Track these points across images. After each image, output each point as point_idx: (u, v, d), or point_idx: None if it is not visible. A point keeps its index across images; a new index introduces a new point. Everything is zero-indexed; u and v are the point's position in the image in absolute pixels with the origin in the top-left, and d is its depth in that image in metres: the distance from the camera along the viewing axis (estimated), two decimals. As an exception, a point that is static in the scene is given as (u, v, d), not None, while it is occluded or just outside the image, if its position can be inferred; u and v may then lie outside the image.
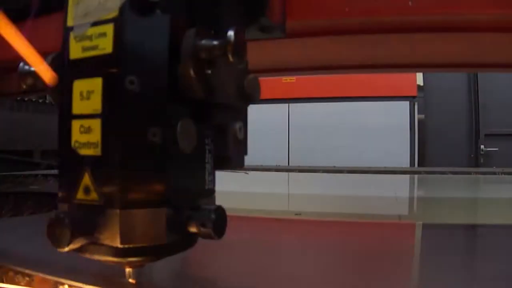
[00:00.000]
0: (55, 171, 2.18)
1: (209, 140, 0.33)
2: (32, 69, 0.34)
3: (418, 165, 3.59)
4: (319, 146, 3.57)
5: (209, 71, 0.30)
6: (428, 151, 3.68)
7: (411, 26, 0.52)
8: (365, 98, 3.53)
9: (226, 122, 0.34)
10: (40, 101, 2.45)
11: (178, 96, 0.29)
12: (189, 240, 0.32)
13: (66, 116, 0.30)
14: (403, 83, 3.54)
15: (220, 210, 0.30)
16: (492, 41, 0.57)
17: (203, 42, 0.28)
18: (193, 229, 0.30)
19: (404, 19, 0.49)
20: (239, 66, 0.31)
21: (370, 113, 3.56)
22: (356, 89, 3.46)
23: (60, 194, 0.31)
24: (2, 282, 0.48)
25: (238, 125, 0.35)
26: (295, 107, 3.63)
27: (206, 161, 0.33)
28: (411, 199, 1.33)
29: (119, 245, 0.28)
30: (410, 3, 0.44)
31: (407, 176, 2.33)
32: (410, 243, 0.71)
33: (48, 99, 2.53)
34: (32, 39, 0.31)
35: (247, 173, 2.11)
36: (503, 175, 2.24)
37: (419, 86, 3.64)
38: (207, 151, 0.33)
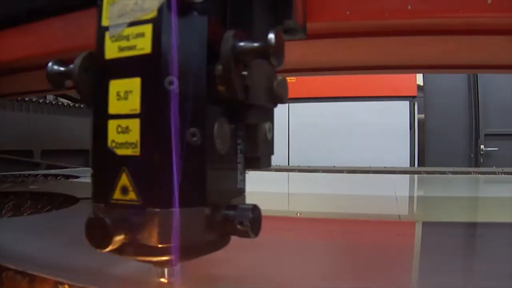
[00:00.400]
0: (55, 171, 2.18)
1: (241, 141, 0.34)
2: (62, 68, 0.34)
3: (418, 165, 3.60)
4: (319, 146, 3.57)
5: (245, 72, 0.30)
6: (428, 151, 3.69)
7: (423, 29, 0.54)
8: (365, 98, 3.53)
9: (257, 122, 0.34)
10: (41, 101, 2.45)
11: (214, 97, 0.30)
12: (224, 239, 0.32)
13: (101, 116, 0.30)
14: (403, 83, 3.55)
15: (256, 209, 0.31)
16: (492, 44, 0.59)
17: (243, 44, 0.28)
18: (229, 228, 0.30)
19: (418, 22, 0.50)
20: (272, 67, 0.31)
21: (370, 113, 3.56)
22: (356, 89, 3.47)
23: (94, 194, 0.31)
24: (2, 282, 0.48)
25: (267, 125, 0.36)
26: (295, 107, 3.64)
27: (238, 161, 0.34)
28: (411, 199, 1.34)
29: (159, 245, 0.28)
30: (409, 7, 0.45)
31: (407, 176, 2.34)
32: (418, 239, 0.72)
33: (48, 99, 2.52)
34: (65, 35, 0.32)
35: (247, 173, 2.11)
36: (503, 175, 2.25)
37: (419, 86, 3.65)
38: (238, 151, 0.33)
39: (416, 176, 2.32)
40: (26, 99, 2.34)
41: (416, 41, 0.58)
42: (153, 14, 0.28)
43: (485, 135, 3.51)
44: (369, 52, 0.68)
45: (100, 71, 0.30)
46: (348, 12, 0.47)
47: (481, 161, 3.47)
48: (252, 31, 0.34)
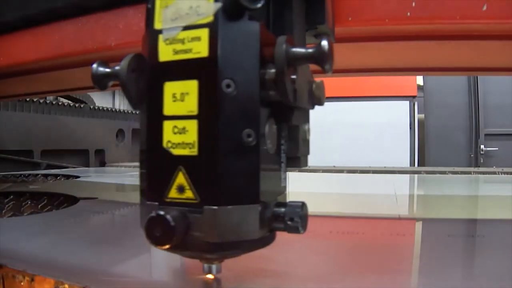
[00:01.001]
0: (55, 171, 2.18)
1: (284, 141, 0.35)
2: (107, 70, 0.35)
3: (418, 165, 3.63)
4: (319, 146, 3.59)
5: (294, 76, 0.31)
6: (428, 151, 3.72)
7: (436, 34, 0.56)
8: (365, 98, 3.56)
9: (298, 124, 0.36)
10: (41, 101, 2.45)
11: (265, 99, 0.31)
12: (272, 235, 0.33)
13: (155, 117, 0.31)
14: (403, 83, 3.57)
15: (304, 206, 0.32)
16: (488, 48, 0.61)
17: (297, 50, 0.29)
18: (279, 224, 0.31)
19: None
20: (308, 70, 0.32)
21: (370, 113, 3.59)
22: (356, 89, 3.49)
23: (146, 193, 0.32)
24: (2, 282, 0.49)
25: (307, 126, 0.37)
26: (295, 106, 3.66)
27: (282, 160, 0.35)
28: (411, 198, 1.36)
29: (216, 240, 0.29)
30: (408, 13, 0.48)
31: (407, 176, 2.36)
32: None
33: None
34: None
35: None
36: (503, 175, 2.28)
37: (419, 86, 3.68)
38: (282, 151, 0.35)
39: (416, 176, 2.34)
40: (27, 99, 2.34)
41: (417, 45, 0.61)
42: (209, 19, 0.29)
43: (485, 135, 3.54)
44: (371, 55, 0.71)
45: (154, 73, 0.31)
46: (350, 18, 0.49)
47: (481, 161, 3.50)
48: (291, 36, 0.35)
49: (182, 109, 0.30)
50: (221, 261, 0.34)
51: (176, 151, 0.30)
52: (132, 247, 0.61)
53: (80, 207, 0.95)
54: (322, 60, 0.29)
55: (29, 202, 1.06)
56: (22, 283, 0.47)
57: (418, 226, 0.81)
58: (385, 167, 2.97)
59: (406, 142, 3.79)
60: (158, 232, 0.28)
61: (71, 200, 1.05)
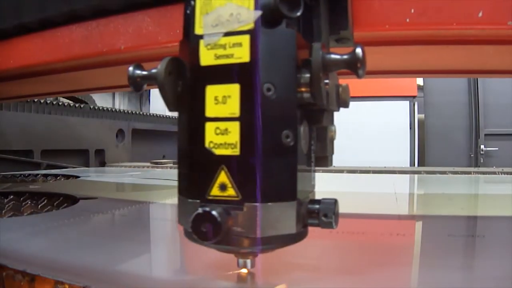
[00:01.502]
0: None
1: (313, 141, 0.37)
2: (144, 72, 0.37)
3: (418, 165, 3.66)
4: (319, 146, 3.61)
5: (327, 81, 0.33)
6: (428, 151, 3.76)
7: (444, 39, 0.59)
8: (365, 98, 3.58)
9: (327, 125, 0.38)
10: (42, 101, 2.46)
11: (300, 102, 0.33)
12: (306, 231, 0.35)
13: (196, 118, 0.33)
14: (403, 83, 3.61)
15: (337, 203, 0.34)
16: (484, 52, 0.65)
17: (332, 56, 0.31)
18: (314, 220, 0.33)
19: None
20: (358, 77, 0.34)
21: (370, 113, 3.61)
22: (356, 89, 3.52)
23: (187, 191, 0.34)
24: (2, 282, 0.49)
25: (334, 128, 0.39)
26: (295, 106, 3.68)
27: (312, 160, 0.37)
28: (410, 198, 1.38)
29: (257, 235, 0.31)
30: (407, 20, 0.50)
31: (407, 176, 2.38)
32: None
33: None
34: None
35: None
36: (503, 175, 2.30)
37: (419, 86, 3.71)
38: (311, 151, 0.37)
39: (416, 176, 2.36)
40: (28, 99, 2.35)
41: (416, 49, 0.64)
42: (250, 26, 0.31)
43: (485, 135, 3.58)
44: (372, 59, 0.74)
45: (195, 76, 0.33)
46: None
47: (481, 161, 3.54)
48: (317, 41, 0.37)
49: (224, 111, 0.32)
50: (256, 256, 0.36)
51: (219, 151, 0.32)
52: (157, 244, 0.63)
53: (80, 207, 0.96)
54: (356, 66, 0.31)
55: (29, 202, 1.06)
56: (22, 283, 0.47)
57: (418, 224, 0.83)
58: (385, 167, 3.00)
59: (406, 142, 3.82)
60: (205, 228, 0.30)
61: (71, 200, 1.05)
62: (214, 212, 0.30)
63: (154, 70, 0.36)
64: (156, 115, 3.32)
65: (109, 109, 2.88)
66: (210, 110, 0.32)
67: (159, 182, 1.75)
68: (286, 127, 0.31)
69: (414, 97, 3.78)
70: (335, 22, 0.44)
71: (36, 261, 0.51)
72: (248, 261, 0.36)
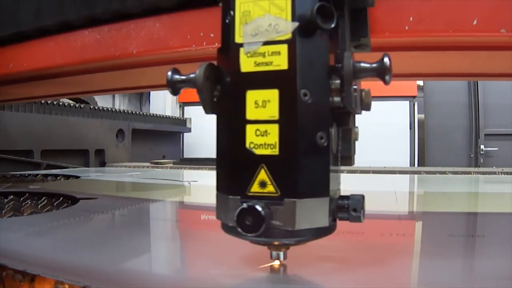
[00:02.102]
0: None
1: (339, 142, 0.40)
2: (183, 77, 0.40)
3: (418, 165, 3.71)
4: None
5: (356, 86, 0.37)
6: (428, 151, 3.81)
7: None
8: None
9: (351, 127, 0.41)
10: (42, 101, 2.47)
11: (331, 106, 0.36)
12: (335, 225, 0.39)
13: (237, 121, 0.36)
14: (403, 83, 3.65)
15: (364, 199, 0.37)
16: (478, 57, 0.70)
17: (362, 64, 0.35)
18: (343, 214, 0.37)
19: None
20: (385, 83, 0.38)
21: (370, 113, 3.64)
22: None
23: (227, 188, 0.37)
24: (3, 282, 0.49)
25: (357, 129, 0.42)
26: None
27: (338, 159, 0.40)
28: (410, 198, 1.41)
29: (294, 228, 0.34)
30: (406, 27, 0.55)
31: (407, 176, 2.41)
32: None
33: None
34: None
35: None
36: (502, 175, 2.34)
37: (419, 86, 3.76)
38: (338, 151, 0.40)
39: (416, 176, 2.40)
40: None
41: (415, 54, 0.68)
42: (287, 36, 0.35)
43: (485, 135, 3.64)
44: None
45: (235, 82, 0.36)
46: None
47: (481, 161, 3.60)
48: (342, 48, 0.41)
49: (264, 114, 0.35)
50: (288, 248, 0.39)
51: (259, 151, 0.35)
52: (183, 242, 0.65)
53: (80, 207, 0.97)
54: (384, 73, 0.35)
55: (29, 202, 1.07)
56: (22, 283, 0.48)
57: (418, 223, 0.87)
58: (385, 167, 3.03)
59: (406, 142, 3.87)
60: (249, 221, 0.33)
61: (71, 200, 1.06)
62: (258, 207, 0.33)
63: (192, 75, 0.39)
64: (156, 115, 3.35)
65: (109, 109, 2.90)
66: (251, 113, 0.35)
67: (159, 182, 1.77)
68: (320, 129, 0.35)
69: (414, 97, 3.83)
70: (356, 30, 0.47)
71: (36, 261, 0.52)
72: (281, 253, 0.39)
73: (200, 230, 0.80)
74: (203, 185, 1.68)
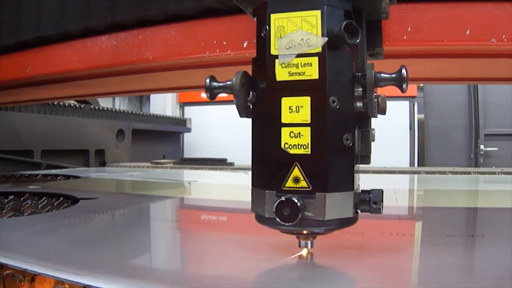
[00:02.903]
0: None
1: (359, 142, 0.46)
2: (220, 83, 0.46)
3: (418, 165, 3.78)
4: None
5: (375, 93, 0.43)
6: (428, 151, 3.88)
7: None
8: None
9: (369, 129, 0.47)
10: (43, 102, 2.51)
11: (355, 111, 0.42)
12: (357, 216, 0.44)
13: (273, 124, 0.42)
14: (403, 82, 3.72)
15: (383, 193, 0.43)
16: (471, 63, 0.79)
17: (383, 75, 0.41)
18: (365, 207, 0.43)
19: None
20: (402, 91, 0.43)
21: (370, 112, 3.72)
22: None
23: (266, 184, 0.43)
24: (3, 281, 0.50)
25: (374, 131, 0.48)
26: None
27: (359, 158, 0.46)
28: (410, 198, 1.46)
29: (324, 218, 0.40)
30: (404, 37, 0.61)
31: (407, 176, 2.46)
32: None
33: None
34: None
35: (247, 173, 2.21)
36: (502, 175, 2.37)
37: (419, 86, 3.83)
38: (359, 151, 0.46)
39: (416, 176, 2.44)
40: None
41: (413, 61, 0.75)
42: (318, 49, 0.41)
43: (485, 135, 3.71)
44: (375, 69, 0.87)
45: (271, 89, 0.42)
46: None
47: (481, 161, 3.67)
48: (361, 57, 0.47)
49: (297, 118, 0.41)
50: (315, 237, 0.45)
51: (292, 151, 0.41)
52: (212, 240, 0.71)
53: (80, 207, 0.98)
54: (401, 82, 0.41)
55: (29, 202, 1.08)
56: (22, 283, 0.49)
57: (417, 223, 0.93)
58: (385, 167, 3.09)
59: (406, 142, 3.94)
60: (287, 212, 0.39)
61: (71, 200, 1.08)
62: (295, 199, 0.39)
63: (229, 82, 0.45)
64: (156, 115, 3.39)
65: (110, 109, 2.94)
66: (285, 117, 0.41)
67: (159, 181, 1.81)
68: (347, 131, 0.41)
69: (414, 97, 3.90)
70: (371, 41, 0.53)
71: (36, 261, 0.53)
72: (309, 242, 0.45)
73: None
74: (203, 184, 1.73)
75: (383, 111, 0.48)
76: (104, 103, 3.53)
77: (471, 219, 0.97)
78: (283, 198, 0.39)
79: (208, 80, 0.46)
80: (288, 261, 0.50)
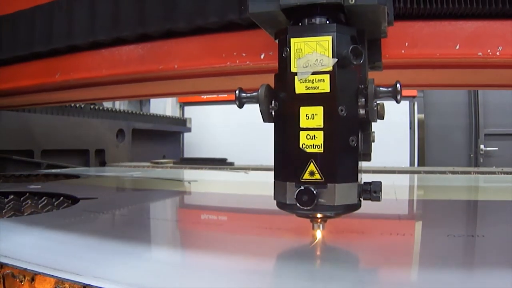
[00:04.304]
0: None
1: (361, 143, 0.58)
2: (248, 94, 0.58)
3: (418, 165, 3.90)
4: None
5: (376, 103, 0.55)
6: (428, 151, 4.01)
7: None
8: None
9: (370, 131, 0.59)
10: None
11: (359, 117, 0.54)
12: (360, 204, 0.56)
13: (294, 128, 0.54)
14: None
15: (381, 184, 0.55)
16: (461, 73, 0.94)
17: (381, 89, 0.53)
18: (367, 195, 0.55)
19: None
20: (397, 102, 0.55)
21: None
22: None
23: (287, 176, 0.55)
24: (3, 281, 0.52)
25: (374, 133, 0.60)
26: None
27: (361, 156, 0.58)
28: (410, 199, 1.52)
29: (335, 204, 0.52)
30: (403, 51, 0.74)
31: (407, 176, 2.53)
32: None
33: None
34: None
35: (247, 173, 2.29)
36: (502, 175, 2.44)
37: (419, 85, 3.95)
38: (361, 150, 0.58)
39: (416, 176, 2.52)
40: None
41: (410, 71, 0.88)
42: (329, 68, 0.53)
43: (485, 135, 3.85)
44: (377, 78, 1.02)
45: (291, 100, 0.54)
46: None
47: (481, 161, 3.81)
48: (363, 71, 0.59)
49: (312, 124, 0.53)
50: (326, 221, 0.57)
51: (309, 150, 0.53)
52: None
53: (80, 207, 1.02)
54: (397, 95, 0.53)
55: (29, 202, 1.10)
56: (22, 283, 0.50)
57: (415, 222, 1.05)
58: (385, 167, 3.20)
59: (406, 142, 4.07)
60: (305, 199, 0.51)
61: (71, 200, 1.12)
62: (312, 188, 0.51)
63: (254, 93, 0.57)
64: (156, 115, 3.49)
65: (110, 109, 3.01)
66: (303, 123, 0.53)
67: (159, 181, 1.86)
68: (352, 134, 0.53)
69: (414, 97, 4.02)
70: (372, 56, 0.66)
71: (36, 260, 0.54)
72: (321, 225, 0.57)
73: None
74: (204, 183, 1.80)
75: (381, 117, 0.61)
76: (104, 103, 3.61)
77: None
78: (302, 188, 0.52)
79: (237, 92, 0.58)
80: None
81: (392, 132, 3.94)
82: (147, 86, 1.12)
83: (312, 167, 0.53)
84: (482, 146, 3.84)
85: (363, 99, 0.54)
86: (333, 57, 0.53)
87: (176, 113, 4.39)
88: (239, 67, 0.83)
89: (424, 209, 1.14)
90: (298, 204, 0.52)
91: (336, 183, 0.52)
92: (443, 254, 0.59)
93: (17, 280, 0.51)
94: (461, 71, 0.89)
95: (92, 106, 2.87)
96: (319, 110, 0.53)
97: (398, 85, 0.53)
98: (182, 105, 4.47)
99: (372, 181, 0.56)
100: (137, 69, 0.95)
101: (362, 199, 0.56)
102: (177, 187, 1.65)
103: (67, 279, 0.47)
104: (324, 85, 0.53)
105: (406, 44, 0.76)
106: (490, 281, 0.48)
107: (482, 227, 0.85)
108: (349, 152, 0.53)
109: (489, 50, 0.75)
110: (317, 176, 0.53)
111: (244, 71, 0.86)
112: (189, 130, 3.89)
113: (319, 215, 0.56)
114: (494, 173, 2.39)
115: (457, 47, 0.75)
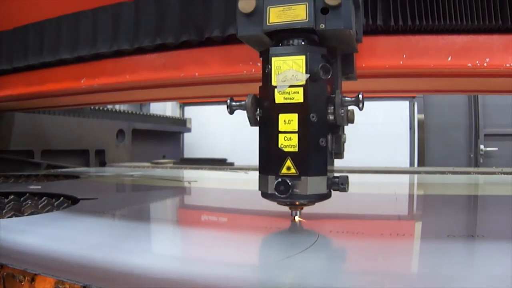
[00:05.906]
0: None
1: (333, 144, 0.72)
2: (237, 103, 0.72)
3: (418, 165, 4.00)
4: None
5: (343, 110, 0.69)
6: (428, 151, 4.11)
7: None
8: (365, 98, 3.90)
9: (341, 134, 0.74)
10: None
11: (329, 122, 0.69)
12: (330, 194, 0.71)
13: (273, 131, 0.68)
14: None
15: (348, 178, 0.70)
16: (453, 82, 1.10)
17: (346, 98, 0.67)
18: (335, 187, 0.69)
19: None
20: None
21: (370, 113, 3.94)
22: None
23: (268, 171, 0.69)
24: (3, 281, 0.52)
25: (345, 135, 0.75)
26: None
27: (332, 154, 0.73)
28: (410, 198, 1.58)
29: (308, 193, 0.66)
30: (401, 62, 0.88)
31: (407, 176, 2.53)
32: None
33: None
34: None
35: (247, 173, 2.38)
36: (502, 175, 2.47)
37: (419, 85, 4.06)
38: (333, 149, 0.72)
39: (416, 176, 2.54)
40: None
41: (407, 79, 1.03)
42: (302, 82, 0.67)
43: (485, 135, 3.96)
44: (379, 84, 1.14)
45: (271, 108, 0.69)
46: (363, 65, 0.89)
47: (481, 161, 3.92)
48: (336, 82, 0.73)
49: (289, 128, 0.67)
50: (302, 208, 0.72)
51: (286, 149, 0.67)
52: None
53: (80, 207, 1.05)
54: (359, 104, 0.67)
55: (30, 202, 1.12)
56: (22, 283, 0.51)
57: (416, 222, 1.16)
58: (385, 167, 3.29)
59: (406, 142, 4.16)
60: (282, 189, 0.65)
61: (71, 200, 1.15)
62: (287, 180, 0.65)
63: (243, 102, 0.71)
64: (156, 115, 3.61)
65: (110, 109, 3.11)
66: (281, 127, 0.68)
67: (159, 181, 1.91)
68: (322, 136, 0.67)
69: (414, 97, 4.12)
70: (346, 69, 0.80)
71: (37, 260, 0.56)
72: (298, 212, 0.72)
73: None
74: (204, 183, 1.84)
75: (351, 121, 0.75)
76: (104, 103, 3.72)
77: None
78: (280, 180, 0.66)
79: (229, 101, 0.73)
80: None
81: (392, 132, 4.05)
82: (163, 91, 1.25)
83: (288, 163, 0.67)
84: (482, 146, 3.95)
85: (332, 107, 0.68)
86: (306, 73, 0.67)
87: (176, 114, 4.52)
88: (254, 75, 0.97)
89: (424, 209, 1.21)
90: (276, 193, 0.66)
91: (308, 176, 0.67)
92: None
93: (17, 280, 0.52)
94: (453, 79, 1.03)
95: (92, 106, 2.92)
96: (294, 117, 0.67)
97: (360, 96, 0.68)
98: (182, 105, 4.61)
99: (340, 175, 0.70)
100: (160, 76, 1.08)
101: (332, 190, 0.71)
102: (177, 187, 1.71)
103: (67, 279, 0.49)
104: (298, 96, 0.67)
105: (404, 56, 0.91)
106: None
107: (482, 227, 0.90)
108: (319, 151, 0.68)
109: (477, 61, 0.89)
110: (293, 170, 0.67)
111: (259, 79, 0.98)
112: (189, 130, 4.03)
113: (296, 203, 0.70)
114: (494, 173, 2.40)
115: (449, 58, 0.90)
